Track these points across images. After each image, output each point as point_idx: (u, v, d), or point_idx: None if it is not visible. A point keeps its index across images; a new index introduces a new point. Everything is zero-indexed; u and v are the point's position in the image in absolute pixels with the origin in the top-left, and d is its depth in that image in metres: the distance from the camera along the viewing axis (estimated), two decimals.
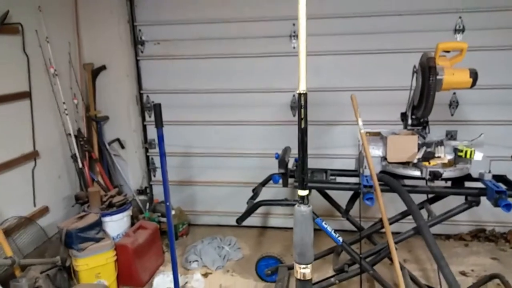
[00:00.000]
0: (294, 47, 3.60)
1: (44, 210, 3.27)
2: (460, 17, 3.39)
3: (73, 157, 3.58)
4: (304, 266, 1.60)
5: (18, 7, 3.03)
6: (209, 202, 4.12)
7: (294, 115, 3.77)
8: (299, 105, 1.53)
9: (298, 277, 1.62)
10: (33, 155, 3.20)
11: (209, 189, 4.09)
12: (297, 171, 2.65)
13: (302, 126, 1.55)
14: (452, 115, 3.62)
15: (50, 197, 3.36)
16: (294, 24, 3.52)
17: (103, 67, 3.88)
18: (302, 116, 1.53)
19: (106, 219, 3.08)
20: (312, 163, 3.30)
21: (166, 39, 3.83)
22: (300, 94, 1.53)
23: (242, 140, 3.92)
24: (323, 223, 2.33)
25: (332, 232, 2.33)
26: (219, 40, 3.73)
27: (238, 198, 3.87)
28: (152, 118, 3.60)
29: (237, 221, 2.59)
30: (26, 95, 3.15)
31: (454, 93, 3.57)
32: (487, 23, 3.35)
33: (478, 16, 3.35)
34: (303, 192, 1.61)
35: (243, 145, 3.92)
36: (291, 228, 3.86)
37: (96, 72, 3.88)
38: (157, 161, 4.14)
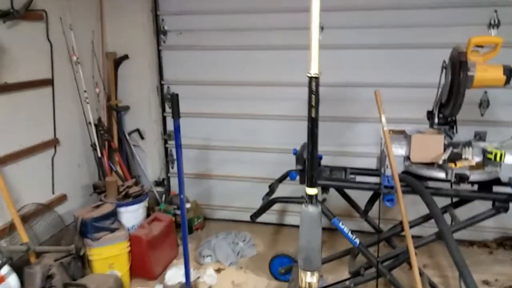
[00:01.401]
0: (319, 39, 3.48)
1: (62, 198, 3.30)
2: (495, 11, 3.20)
3: (93, 146, 3.59)
4: (310, 273, 1.47)
5: None
6: (226, 197, 4.08)
7: None
8: (310, 90, 1.38)
9: (303, 287, 1.47)
10: (54, 143, 3.22)
11: (226, 183, 4.04)
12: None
13: (313, 115, 1.40)
14: (482, 115, 3.44)
15: (69, 185, 3.38)
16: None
17: (125, 57, 3.88)
18: (313, 103, 1.38)
19: (122, 209, 3.08)
20: (332, 161, 3.26)
21: (188, 29, 3.79)
22: (311, 78, 1.38)
23: (261, 135, 3.85)
24: (340, 224, 2.24)
25: (349, 234, 2.24)
26: (242, 31, 3.66)
27: (254, 194, 3.79)
28: None
29: (251, 217, 2.53)
30: (48, 82, 3.16)
31: (486, 92, 3.38)
32: None
33: None
34: (311, 191, 1.47)
35: (262, 140, 3.85)
36: None
37: (118, 61, 3.88)
38: (175, 152, 4.11)
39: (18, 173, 2.87)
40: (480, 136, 3.42)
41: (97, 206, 2.95)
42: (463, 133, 2.52)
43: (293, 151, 2.55)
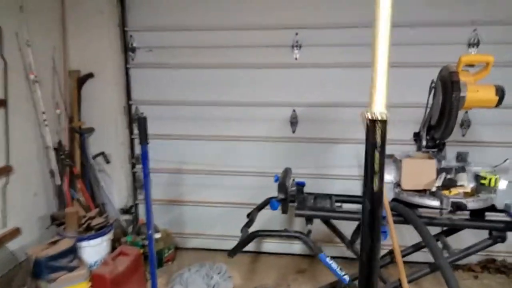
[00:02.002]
0: (296, 58, 3.34)
1: (15, 232, 2.94)
2: (474, 30, 3.16)
3: (52, 172, 3.27)
4: None
5: None
6: (199, 224, 3.80)
7: (293, 132, 3.49)
8: (369, 143, 0.97)
9: None
10: (6, 170, 2.89)
11: (200, 209, 3.77)
12: (297, 195, 2.36)
13: (375, 188, 0.95)
14: (463, 135, 3.37)
15: (23, 217, 3.03)
16: (297, 34, 3.26)
17: (90, 75, 3.60)
18: (377, 169, 0.94)
19: (83, 244, 2.77)
20: (314, 184, 3.09)
21: (159, 46, 3.56)
22: (373, 122, 0.97)
23: (238, 157, 3.63)
24: (328, 259, 2.02)
25: (338, 270, 2.03)
26: (216, 48, 3.47)
27: (231, 220, 3.59)
28: None
29: (229, 254, 2.28)
30: (1, 103, 2.85)
31: (466, 112, 3.32)
32: (503, 36, 3.12)
33: (494, 29, 3.13)
34: None
35: (238, 163, 3.63)
36: (287, 254, 3.55)
37: (82, 80, 3.60)
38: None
39: None
40: (462, 157, 3.34)
41: (54, 242, 2.63)
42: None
43: (274, 178, 2.35)
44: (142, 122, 2.09)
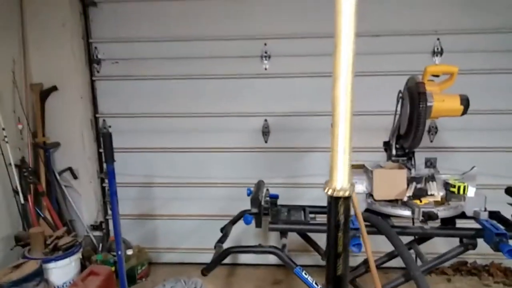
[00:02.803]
0: (265, 68, 3.34)
1: None
2: (438, 39, 3.24)
3: (15, 190, 3.12)
4: None
5: None
6: (173, 238, 3.72)
7: (266, 141, 3.48)
8: (334, 224, 0.87)
9: None
10: None
11: (173, 223, 3.69)
12: (271, 208, 2.33)
13: (338, 271, 0.86)
14: (431, 141, 3.45)
15: None
16: (265, 44, 3.26)
17: (53, 88, 3.47)
18: (341, 250, 0.85)
19: (50, 265, 2.66)
20: (286, 193, 3.06)
21: (125, 57, 3.48)
22: (336, 199, 0.87)
23: (209, 169, 3.58)
24: (303, 274, 2.01)
25: (314, 284, 2.01)
26: (185, 59, 3.41)
27: (205, 233, 3.54)
28: None
29: (203, 272, 2.22)
30: None
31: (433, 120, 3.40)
32: (465, 45, 3.22)
33: (457, 38, 3.23)
34: None
35: (210, 174, 3.58)
36: (264, 265, 3.50)
37: (45, 93, 3.46)
38: None
39: None
40: (430, 163, 3.42)
41: (18, 266, 2.49)
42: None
43: (247, 192, 2.32)
44: (107, 139, 2.01)
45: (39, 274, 2.49)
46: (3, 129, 2.99)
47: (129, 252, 3.33)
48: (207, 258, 2.40)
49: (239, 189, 3.36)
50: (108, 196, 3.73)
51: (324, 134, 3.36)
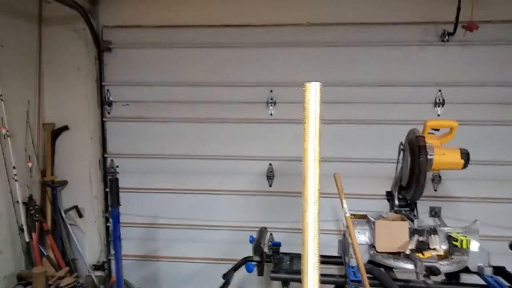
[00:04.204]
0: (271, 114, 3.42)
1: None
2: (439, 90, 3.32)
3: (21, 228, 3.15)
4: None
5: None
6: (174, 281, 3.68)
7: (270, 185, 3.51)
8: None
9: None
10: None
11: (175, 265, 3.67)
12: (273, 256, 2.33)
13: None
14: (435, 190, 3.44)
15: None
16: (271, 91, 3.36)
17: (65, 128, 3.58)
18: None
19: None
20: (289, 239, 3.06)
21: (135, 100, 3.59)
22: None
23: (214, 211, 3.59)
24: None
25: None
26: (192, 103, 3.52)
27: (206, 277, 3.51)
28: None
29: None
30: None
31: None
32: (466, 97, 3.28)
33: (458, 90, 3.29)
34: None
35: (214, 216, 3.59)
36: None
37: (56, 132, 3.57)
38: None
39: None
40: (435, 212, 3.42)
41: None
42: (418, 208, 2.42)
43: (250, 239, 2.33)
44: (114, 184, 2.06)
45: None
46: (14, 167, 3.06)
47: None
48: None
49: (243, 232, 3.36)
50: (112, 236, 3.74)
51: (327, 180, 3.40)
